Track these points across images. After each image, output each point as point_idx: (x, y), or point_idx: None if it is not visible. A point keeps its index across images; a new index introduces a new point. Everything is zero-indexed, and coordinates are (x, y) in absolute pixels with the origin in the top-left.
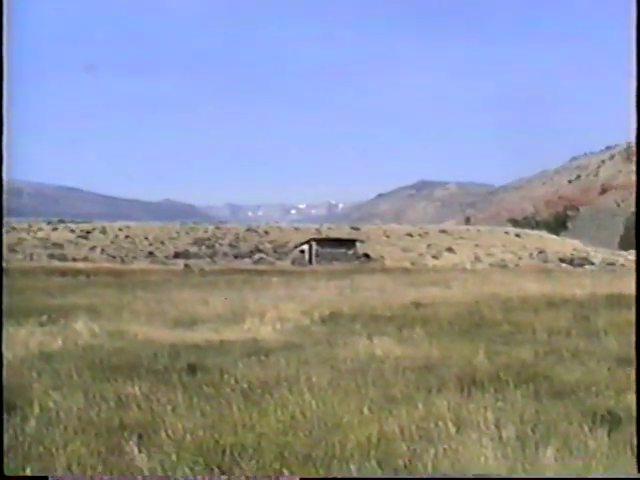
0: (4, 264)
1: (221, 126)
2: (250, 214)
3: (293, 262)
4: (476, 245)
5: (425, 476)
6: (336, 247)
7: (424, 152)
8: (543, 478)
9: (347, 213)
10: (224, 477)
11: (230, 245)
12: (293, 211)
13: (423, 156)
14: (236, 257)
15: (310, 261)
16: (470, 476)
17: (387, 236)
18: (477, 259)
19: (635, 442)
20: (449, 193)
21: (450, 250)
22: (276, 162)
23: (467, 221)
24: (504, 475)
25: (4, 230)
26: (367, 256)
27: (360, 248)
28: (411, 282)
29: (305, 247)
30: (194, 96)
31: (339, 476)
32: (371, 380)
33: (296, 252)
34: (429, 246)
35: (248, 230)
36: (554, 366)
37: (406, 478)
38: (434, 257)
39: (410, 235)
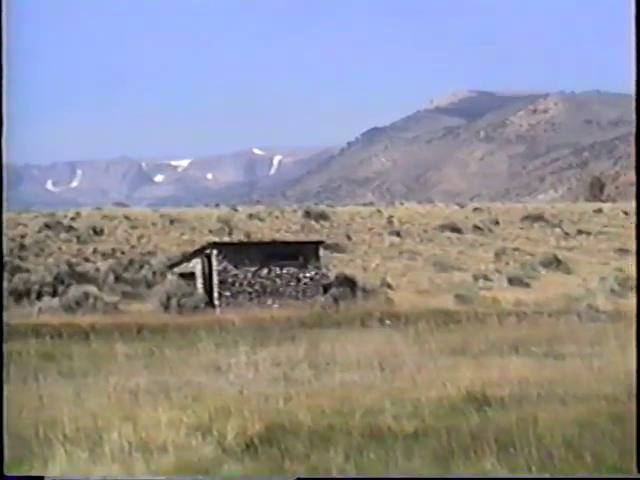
0: None
1: None
2: (52, 186)
3: (167, 303)
4: (620, 250)
5: (425, 476)
6: (272, 262)
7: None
8: (543, 478)
9: (295, 177)
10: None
11: None
12: (159, 176)
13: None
14: (21, 296)
15: (210, 299)
16: (470, 476)
17: (396, 232)
18: (624, 285)
19: None
20: (547, 120)
21: (555, 264)
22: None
23: (595, 191)
24: None
25: None
26: (349, 282)
27: (329, 262)
28: (462, 345)
29: (196, 264)
30: None
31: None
32: None
33: (173, 278)
34: (501, 254)
35: (49, 227)
36: None
37: (406, 478)
38: (515, 282)
39: (453, 228)
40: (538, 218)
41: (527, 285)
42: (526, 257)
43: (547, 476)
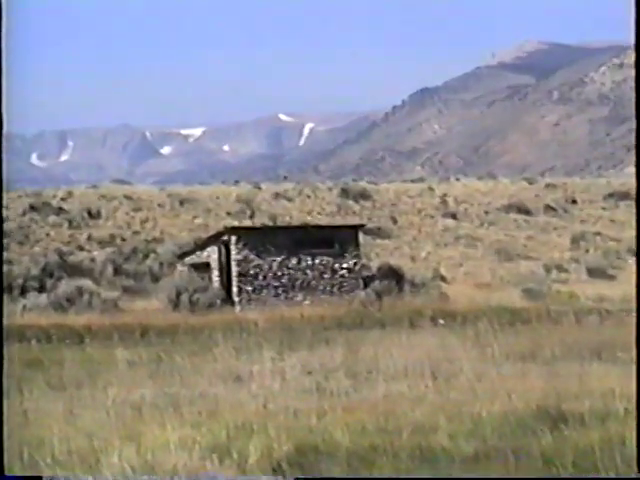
0: None
1: None
2: (37, 160)
3: (176, 299)
4: None
5: (425, 476)
6: (303, 250)
7: None
8: (543, 478)
9: (329, 149)
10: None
11: None
12: (166, 148)
13: None
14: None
15: (229, 294)
16: (470, 476)
17: (452, 214)
18: None
19: None
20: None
21: None
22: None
23: None
24: None
25: None
26: (394, 274)
27: (371, 250)
28: (531, 349)
29: (211, 253)
30: None
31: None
32: None
33: (184, 269)
34: (579, 240)
35: (34, 209)
36: None
37: (406, 478)
38: (596, 273)
39: (520, 209)
40: (625, 196)
41: (611, 277)
42: (610, 243)
43: (547, 476)
